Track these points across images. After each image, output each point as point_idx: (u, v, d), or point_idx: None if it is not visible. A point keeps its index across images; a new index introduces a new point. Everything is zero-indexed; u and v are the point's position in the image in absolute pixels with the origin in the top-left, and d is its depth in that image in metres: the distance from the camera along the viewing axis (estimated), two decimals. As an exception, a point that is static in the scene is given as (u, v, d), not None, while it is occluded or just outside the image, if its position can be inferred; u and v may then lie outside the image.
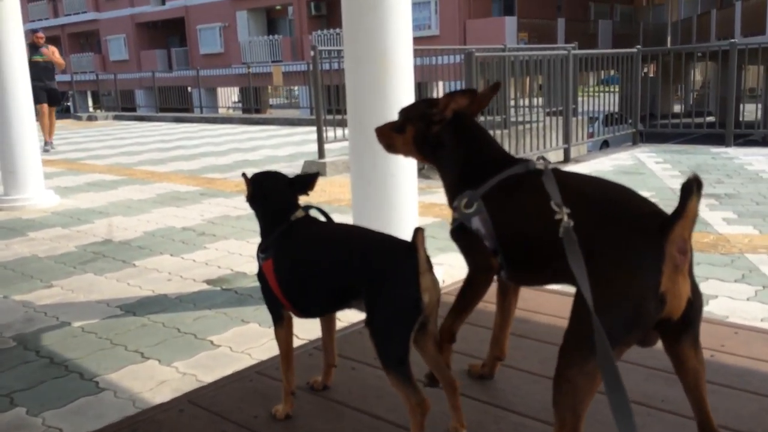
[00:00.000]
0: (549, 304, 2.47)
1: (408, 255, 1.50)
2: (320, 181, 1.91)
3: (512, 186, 1.61)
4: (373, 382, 1.94)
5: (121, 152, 10.29)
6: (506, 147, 6.89)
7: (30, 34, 10.38)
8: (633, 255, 1.32)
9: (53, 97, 10.52)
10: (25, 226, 5.20)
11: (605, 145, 11.26)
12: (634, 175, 6.41)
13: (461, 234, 1.66)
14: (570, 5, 26.87)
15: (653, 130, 9.82)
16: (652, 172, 6.52)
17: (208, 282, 3.62)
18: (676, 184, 5.75)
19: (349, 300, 1.64)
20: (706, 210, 4.68)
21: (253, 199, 1.83)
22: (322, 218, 1.82)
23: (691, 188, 1.26)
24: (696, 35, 25.06)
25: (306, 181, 1.85)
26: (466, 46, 8.12)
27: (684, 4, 30.19)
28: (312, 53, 7.54)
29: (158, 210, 5.61)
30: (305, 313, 1.78)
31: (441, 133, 1.73)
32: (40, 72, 10.13)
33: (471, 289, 1.71)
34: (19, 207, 5.81)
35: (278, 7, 30.08)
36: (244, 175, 1.86)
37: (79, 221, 5.28)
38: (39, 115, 10.37)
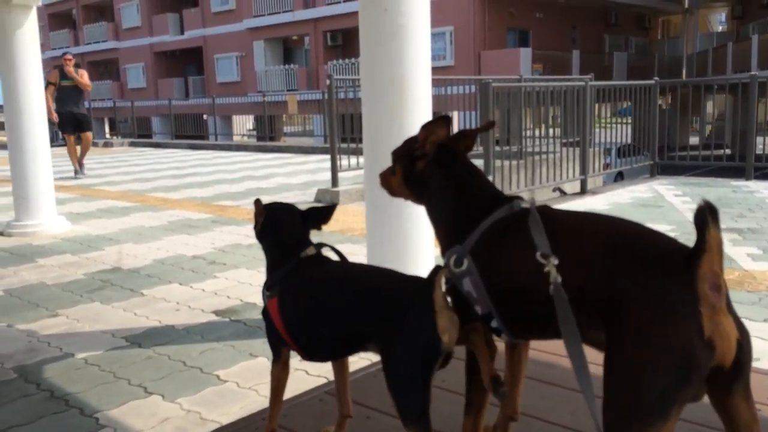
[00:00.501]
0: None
1: (423, 294, 1.38)
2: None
3: (500, 234, 1.43)
4: (391, 434, 1.80)
5: (134, 179, 10.31)
6: (522, 178, 6.98)
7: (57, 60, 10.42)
8: (664, 300, 1.17)
9: (86, 122, 10.40)
10: (34, 252, 5.16)
11: (620, 176, 11.15)
12: (653, 207, 6.29)
13: (453, 298, 1.50)
14: (585, 37, 26.99)
15: (671, 163, 9.66)
16: (671, 205, 6.39)
17: (217, 313, 3.52)
18: (697, 217, 5.61)
19: (363, 344, 1.52)
20: (730, 245, 4.53)
21: (261, 232, 1.73)
22: (335, 257, 1.70)
23: (704, 217, 1.14)
24: (711, 68, 25.05)
25: (321, 214, 1.73)
26: (482, 77, 8.10)
27: (700, 38, 30.25)
28: (328, 82, 7.55)
29: (169, 237, 5.55)
30: (314, 357, 1.67)
31: (427, 170, 1.60)
32: (69, 96, 10.02)
33: (475, 383, 1.56)
34: (30, 233, 5.77)
35: (295, 38, 30.47)
36: (257, 201, 1.72)
37: (89, 248, 5.23)
38: (67, 143, 10.32)
